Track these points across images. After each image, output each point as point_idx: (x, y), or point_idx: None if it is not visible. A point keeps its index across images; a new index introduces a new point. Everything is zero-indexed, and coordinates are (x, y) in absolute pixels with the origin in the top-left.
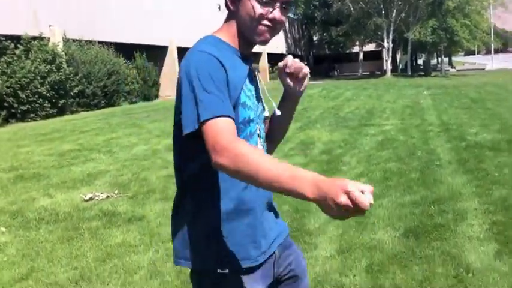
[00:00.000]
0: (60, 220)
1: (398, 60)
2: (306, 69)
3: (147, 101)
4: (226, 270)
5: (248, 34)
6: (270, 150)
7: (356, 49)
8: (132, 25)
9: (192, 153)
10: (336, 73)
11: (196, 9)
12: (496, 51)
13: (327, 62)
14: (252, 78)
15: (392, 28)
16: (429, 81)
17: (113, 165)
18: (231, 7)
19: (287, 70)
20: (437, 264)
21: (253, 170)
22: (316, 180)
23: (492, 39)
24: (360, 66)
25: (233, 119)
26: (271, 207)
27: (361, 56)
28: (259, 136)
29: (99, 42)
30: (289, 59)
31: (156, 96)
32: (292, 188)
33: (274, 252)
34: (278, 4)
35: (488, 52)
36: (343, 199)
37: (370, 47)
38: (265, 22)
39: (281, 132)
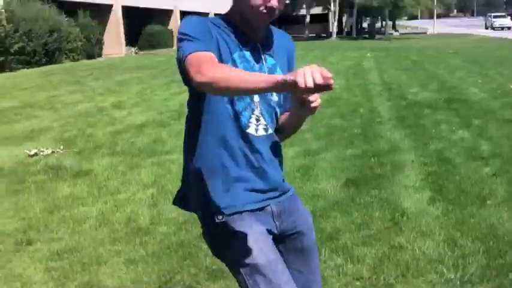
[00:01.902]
0: (4, 174)
1: (344, 23)
2: (317, 102)
3: (91, 59)
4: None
5: (250, 19)
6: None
7: (303, 11)
8: None
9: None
10: None
11: None
12: (438, 16)
13: (274, 24)
14: (258, 59)
15: None
16: (373, 44)
17: (57, 122)
18: None
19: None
20: (375, 209)
21: (230, 83)
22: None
23: (435, 4)
24: (307, 28)
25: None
26: (263, 165)
27: (307, 18)
28: (256, 118)
29: (41, 0)
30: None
31: (100, 55)
32: (264, 86)
33: (269, 206)
34: None
35: (431, 16)
36: (304, 76)
37: (317, 9)
38: (264, 11)
39: (283, 131)
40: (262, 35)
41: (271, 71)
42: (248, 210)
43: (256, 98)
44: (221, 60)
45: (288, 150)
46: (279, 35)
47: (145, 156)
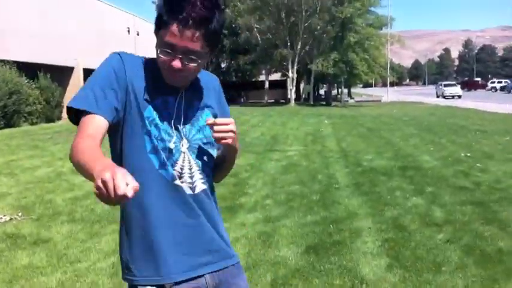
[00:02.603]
0: None
1: (301, 90)
2: (230, 134)
3: (50, 122)
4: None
5: (164, 75)
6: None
7: (262, 77)
8: (37, 44)
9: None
10: (242, 100)
11: (103, 31)
12: (392, 84)
13: (234, 89)
14: (177, 102)
15: (297, 59)
16: (330, 110)
17: (15, 188)
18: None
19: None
20: (335, 276)
21: (76, 159)
22: (108, 164)
23: (388, 73)
24: (266, 94)
25: (105, 118)
26: (201, 233)
27: (267, 84)
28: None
29: (1, 61)
30: (218, 121)
31: (59, 118)
32: (91, 167)
33: (202, 276)
34: (177, 52)
35: (384, 85)
36: (99, 182)
37: (276, 76)
38: (168, 69)
39: (218, 172)
40: (187, 85)
41: (192, 125)
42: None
43: (184, 144)
44: (137, 103)
45: (249, 217)
46: (205, 78)
47: (105, 223)
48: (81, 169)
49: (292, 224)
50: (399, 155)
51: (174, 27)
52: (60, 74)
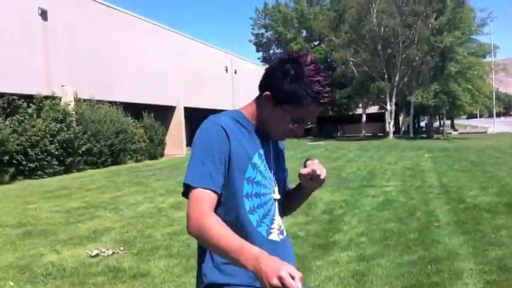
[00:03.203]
0: (67, 275)
1: (400, 122)
2: (323, 174)
3: (153, 159)
4: None
5: (268, 130)
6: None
7: (359, 111)
8: (141, 86)
9: None
10: (339, 134)
11: (202, 70)
12: (498, 115)
13: (331, 123)
14: (271, 156)
15: (395, 91)
16: (431, 143)
17: (119, 223)
18: (262, 99)
19: (308, 177)
20: None
21: (211, 241)
22: (259, 256)
23: (494, 103)
24: (363, 128)
25: (216, 193)
26: None
27: (364, 117)
28: (274, 218)
29: (109, 102)
30: (315, 166)
31: (162, 155)
32: (238, 258)
33: None
34: (305, 124)
35: (490, 115)
36: (275, 281)
37: (373, 109)
38: (288, 134)
39: (290, 208)
40: None
41: (278, 172)
42: None
43: (268, 198)
44: (238, 166)
45: (342, 255)
46: None
47: None
48: (219, 248)
49: (387, 263)
50: (505, 191)
51: (313, 108)
52: (163, 113)
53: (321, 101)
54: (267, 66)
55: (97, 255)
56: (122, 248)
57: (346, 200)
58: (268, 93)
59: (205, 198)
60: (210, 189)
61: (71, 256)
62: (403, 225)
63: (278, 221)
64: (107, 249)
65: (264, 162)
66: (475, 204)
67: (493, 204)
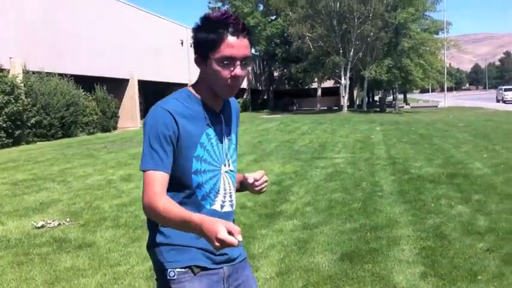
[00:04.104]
0: (11, 246)
1: (355, 97)
2: (265, 187)
3: (106, 132)
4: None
5: (216, 90)
6: None
7: (315, 85)
8: (94, 58)
9: None
10: (295, 108)
11: (157, 44)
12: (450, 90)
13: (287, 97)
14: (221, 131)
15: (349, 66)
16: (383, 117)
17: (67, 195)
18: (198, 67)
19: (254, 185)
20: (367, 283)
21: (164, 220)
22: (201, 223)
23: (445, 78)
24: (318, 102)
25: (167, 173)
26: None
27: (319, 91)
28: (218, 192)
29: (60, 74)
30: (258, 176)
31: (115, 128)
32: (188, 229)
33: (222, 268)
34: (238, 62)
35: (442, 90)
36: (217, 244)
37: (328, 83)
38: (229, 81)
39: None
40: (222, 103)
41: (230, 143)
42: (201, 267)
43: (214, 171)
44: (187, 146)
45: (287, 223)
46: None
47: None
48: (171, 224)
49: (330, 231)
50: (449, 162)
51: (230, 40)
52: (116, 86)
53: (231, 27)
54: None
55: (42, 226)
56: (68, 220)
57: (296, 172)
58: (196, 55)
59: (156, 180)
60: (161, 171)
61: (16, 227)
62: (348, 195)
63: (225, 193)
64: (53, 221)
65: (213, 139)
66: (419, 175)
67: (436, 175)
